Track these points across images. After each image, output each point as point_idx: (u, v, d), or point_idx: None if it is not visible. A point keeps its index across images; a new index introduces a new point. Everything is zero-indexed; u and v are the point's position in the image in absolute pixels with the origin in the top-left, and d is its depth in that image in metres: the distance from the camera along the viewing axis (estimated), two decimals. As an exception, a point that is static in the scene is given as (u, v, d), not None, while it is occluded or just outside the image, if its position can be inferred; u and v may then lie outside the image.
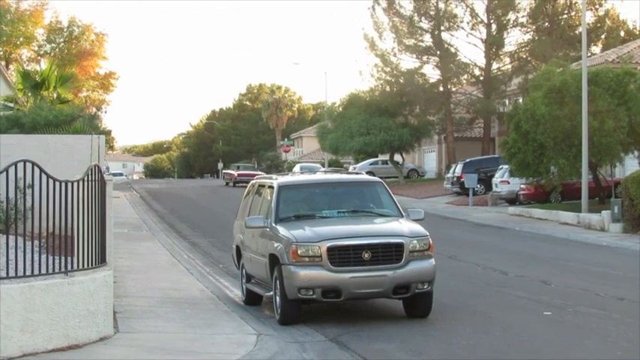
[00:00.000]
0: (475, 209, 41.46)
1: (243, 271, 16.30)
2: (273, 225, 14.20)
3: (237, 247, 16.79)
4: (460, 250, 24.36)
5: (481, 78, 60.44)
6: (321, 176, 16.37)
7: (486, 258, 22.64)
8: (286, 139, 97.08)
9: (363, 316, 14.41)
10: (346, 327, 13.33)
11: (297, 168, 66.80)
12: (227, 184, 69.89)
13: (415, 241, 13.48)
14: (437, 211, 40.45)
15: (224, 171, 78.15)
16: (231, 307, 15.57)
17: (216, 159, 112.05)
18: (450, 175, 50.53)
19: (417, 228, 13.91)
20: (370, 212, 14.82)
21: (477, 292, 16.75)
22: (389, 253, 13.32)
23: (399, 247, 13.36)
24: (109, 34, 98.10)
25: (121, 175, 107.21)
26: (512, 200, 41.70)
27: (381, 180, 15.74)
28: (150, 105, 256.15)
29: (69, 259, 11.61)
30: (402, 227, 13.84)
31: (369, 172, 57.07)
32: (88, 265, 11.72)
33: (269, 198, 15.01)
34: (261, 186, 16.11)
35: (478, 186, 45.81)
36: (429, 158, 73.16)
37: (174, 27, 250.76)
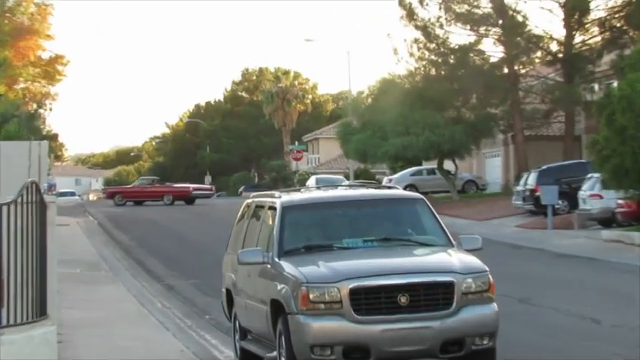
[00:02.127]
0: (556, 234, 41.35)
1: (237, 323, 16.33)
2: (276, 260, 14.20)
3: (228, 291, 16.79)
4: (535, 290, 24.33)
5: (560, 55, 60.43)
6: (339, 192, 16.39)
7: (571, 301, 22.58)
8: (297, 143, 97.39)
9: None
10: (377, 398, 13.26)
11: (312, 181, 66.97)
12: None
13: (470, 280, 13.45)
14: (503, 237, 40.40)
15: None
16: (220, 373, 15.60)
17: (202, 170, 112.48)
18: (520, 187, 50.46)
19: (473, 261, 13.89)
20: (408, 240, 14.85)
21: (558, 348, 16.74)
22: (434, 296, 13.29)
23: (448, 288, 13.32)
24: (55, 6, 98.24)
25: (72, 194, 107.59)
26: (607, 221, 41.54)
27: (421, 196, 15.75)
28: (112, 101, 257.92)
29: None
30: (451, 260, 13.82)
31: (410, 186, 57.22)
32: (22, 319, 11.73)
33: (270, 223, 15.03)
34: (260, 207, 16.12)
35: (559, 202, 45.68)
36: (491, 165, 73.19)
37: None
